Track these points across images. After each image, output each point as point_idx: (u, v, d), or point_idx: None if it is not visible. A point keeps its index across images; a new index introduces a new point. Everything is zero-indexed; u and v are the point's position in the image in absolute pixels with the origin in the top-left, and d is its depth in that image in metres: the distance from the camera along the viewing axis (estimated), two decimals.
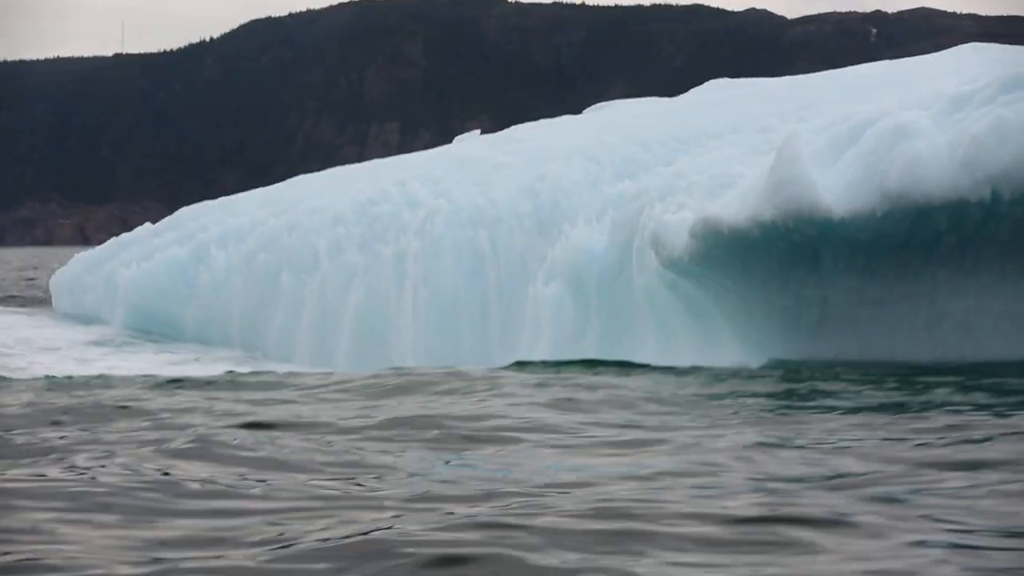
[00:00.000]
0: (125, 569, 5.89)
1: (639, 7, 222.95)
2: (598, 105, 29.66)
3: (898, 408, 10.90)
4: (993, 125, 13.78)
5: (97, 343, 25.65)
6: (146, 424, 10.43)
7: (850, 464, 8.07)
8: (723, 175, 16.65)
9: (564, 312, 20.06)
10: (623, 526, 6.42)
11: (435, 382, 13.33)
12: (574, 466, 8.29)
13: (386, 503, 7.17)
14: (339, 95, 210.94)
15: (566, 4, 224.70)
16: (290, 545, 6.21)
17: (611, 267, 19.43)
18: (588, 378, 13.92)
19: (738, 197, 15.41)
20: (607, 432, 9.85)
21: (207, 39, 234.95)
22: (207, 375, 15.93)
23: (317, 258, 24.43)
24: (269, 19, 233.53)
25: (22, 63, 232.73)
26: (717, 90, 27.28)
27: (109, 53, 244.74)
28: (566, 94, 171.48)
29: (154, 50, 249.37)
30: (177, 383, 13.90)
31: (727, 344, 16.48)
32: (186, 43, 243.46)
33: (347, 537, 6.29)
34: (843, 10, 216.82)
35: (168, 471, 8.18)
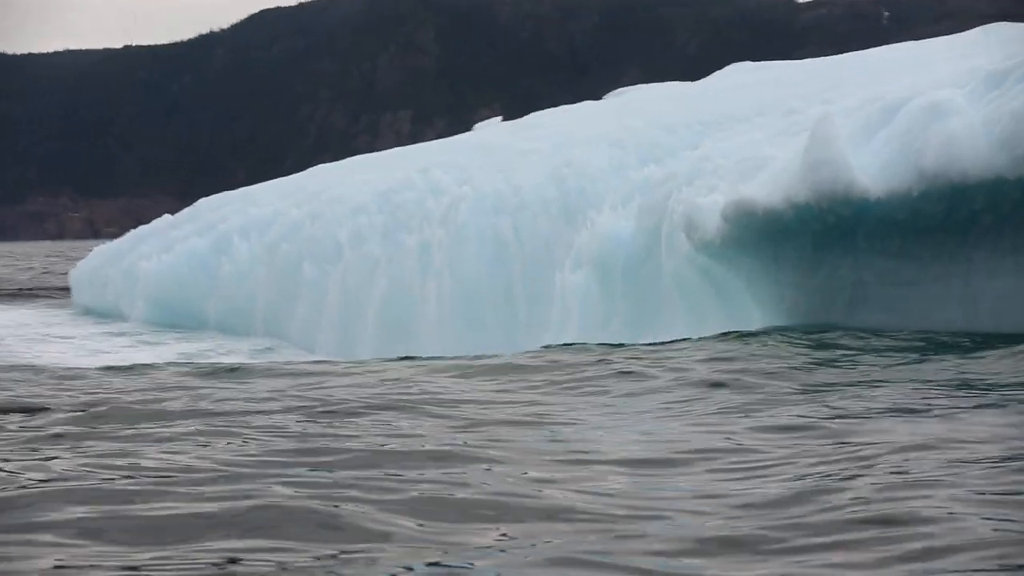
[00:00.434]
0: None
1: None
2: (618, 90, 29.63)
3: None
4: None
5: (115, 334, 25.67)
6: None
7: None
8: (753, 158, 16.61)
9: (591, 298, 20.03)
10: None
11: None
12: None
13: None
14: (351, 84, 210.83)
15: None
16: None
17: (638, 253, 19.40)
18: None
19: (771, 179, 15.38)
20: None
21: (217, 29, 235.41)
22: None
23: (340, 248, 24.43)
24: (279, 9, 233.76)
25: (31, 56, 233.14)
26: (738, 74, 27.23)
27: (119, 45, 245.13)
28: (580, 81, 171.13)
29: (164, 41, 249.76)
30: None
31: (758, 328, 16.43)
32: (196, 34, 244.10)
33: None
34: None
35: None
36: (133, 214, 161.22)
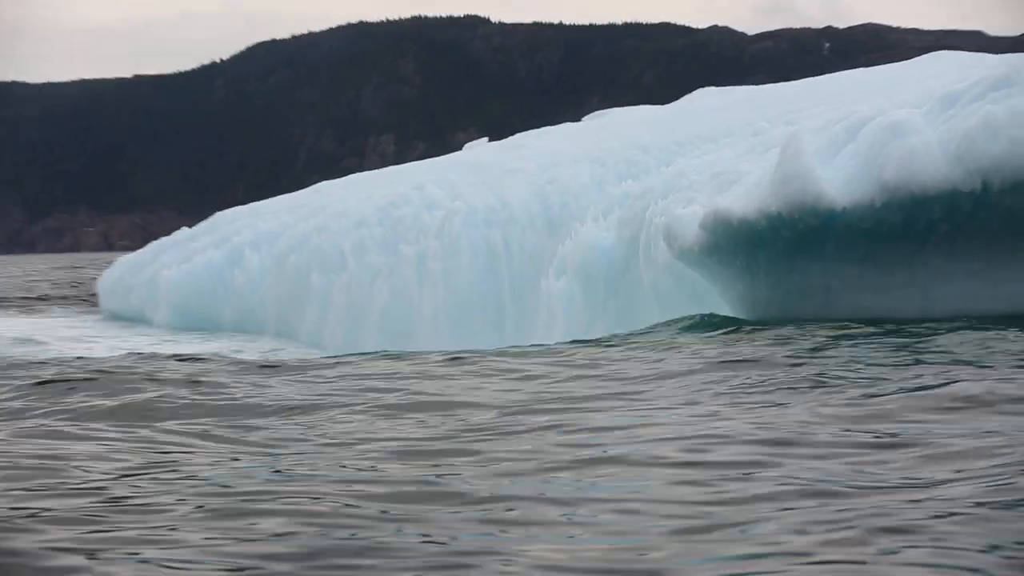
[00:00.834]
0: None
1: (612, 26, 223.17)
2: (596, 113, 29.66)
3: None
4: (984, 121, 13.67)
5: (142, 335, 25.47)
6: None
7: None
8: (728, 172, 16.55)
9: (575, 304, 19.98)
10: None
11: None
12: None
13: None
14: (338, 111, 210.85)
15: (545, 24, 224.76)
16: None
17: (618, 261, 19.38)
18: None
19: (745, 191, 15.32)
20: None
21: (218, 60, 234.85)
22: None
23: (344, 258, 24.34)
24: (273, 41, 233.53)
25: (49, 84, 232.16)
26: (706, 98, 27.28)
27: (129, 75, 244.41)
28: (546, 107, 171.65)
29: (169, 71, 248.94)
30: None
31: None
32: (198, 64, 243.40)
33: None
34: (798, 26, 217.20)
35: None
36: (143, 228, 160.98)
